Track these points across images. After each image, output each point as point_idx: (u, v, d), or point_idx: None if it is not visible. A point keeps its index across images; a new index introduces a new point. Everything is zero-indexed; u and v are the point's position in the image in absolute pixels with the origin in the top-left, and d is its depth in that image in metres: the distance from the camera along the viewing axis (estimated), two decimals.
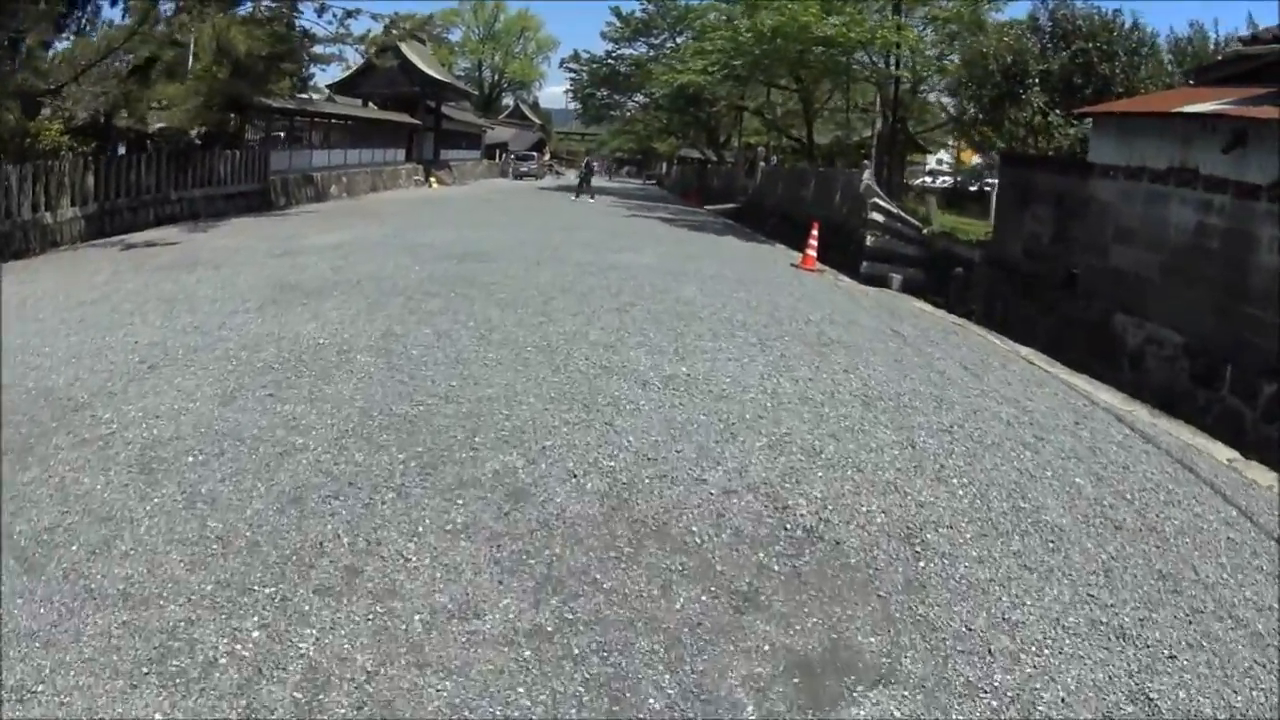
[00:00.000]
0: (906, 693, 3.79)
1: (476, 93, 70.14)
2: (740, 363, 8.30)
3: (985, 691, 3.86)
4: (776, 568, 4.61)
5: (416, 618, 4.00)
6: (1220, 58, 13.74)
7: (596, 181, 59.32)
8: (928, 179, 40.48)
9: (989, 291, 13.69)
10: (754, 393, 7.31)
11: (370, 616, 3.99)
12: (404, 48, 37.15)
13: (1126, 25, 14.77)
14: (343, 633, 3.85)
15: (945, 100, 25.29)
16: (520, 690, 3.58)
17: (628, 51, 45.05)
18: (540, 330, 9.09)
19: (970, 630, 4.35)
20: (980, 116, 17.02)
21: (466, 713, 3.44)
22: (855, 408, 7.23)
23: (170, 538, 4.56)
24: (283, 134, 28.90)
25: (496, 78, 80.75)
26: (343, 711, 3.39)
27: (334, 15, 22.64)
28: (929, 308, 13.89)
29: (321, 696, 3.46)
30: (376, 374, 7.29)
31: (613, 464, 5.59)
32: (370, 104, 40.24)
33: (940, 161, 44.77)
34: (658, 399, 6.90)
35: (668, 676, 3.72)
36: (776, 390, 7.46)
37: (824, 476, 5.74)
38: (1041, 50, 15.33)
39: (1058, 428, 7.68)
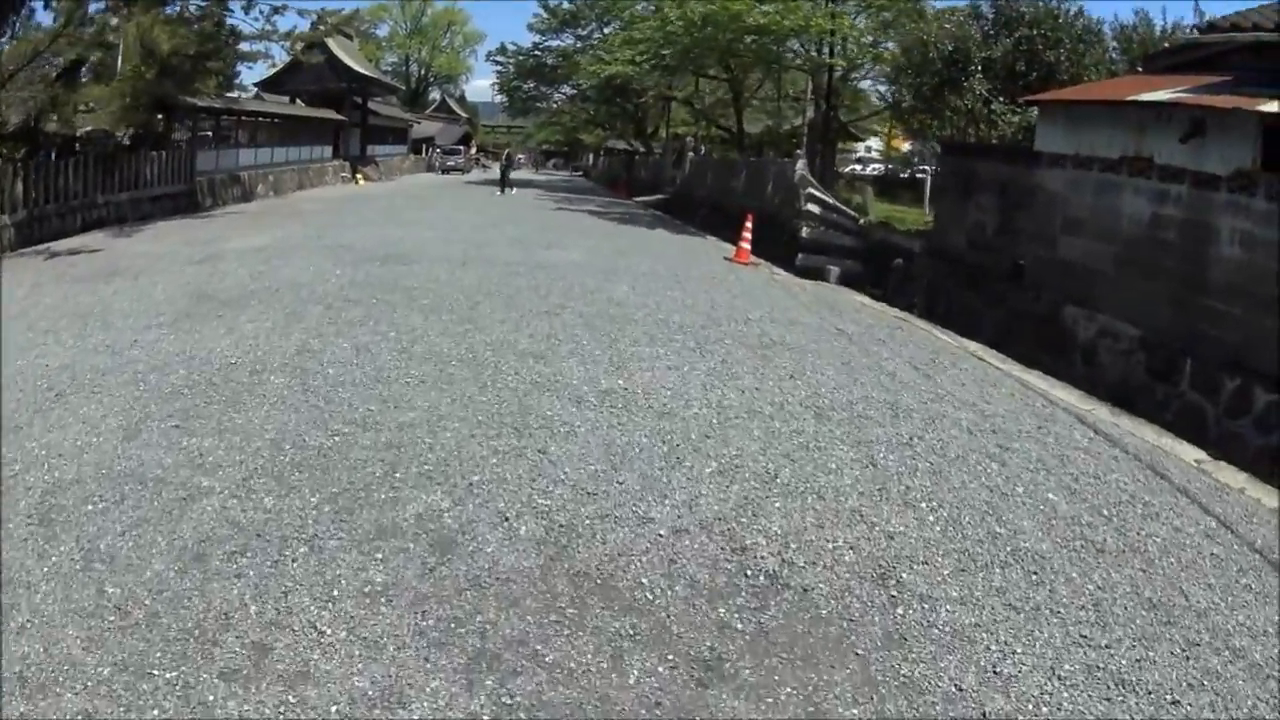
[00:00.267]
0: None
1: (404, 88, 69.01)
2: (680, 371, 7.73)
3: None
4: (740, 626, 4.03)
5: (334, 709, 3.41)
6: (1168, 45, 13.64)
7: (523, 175, 58.60)
8: (857, 167, 40.52)
9: (931, 284, 13.37)
10: (698, 407, 6.74)
11: (282, 707, 3.40)
12: (331, 44, 36.45)
13: (1071, 12, 14.69)
14: None
15: (881, 88, 25.16)
16: None
17: (555, 43, 44.46)
18: (466, 340, 8.40)
19: (960, 690, 3.87)
20: (920, 104, 16.72)
21: None
22: (807, 421, 6.71)
23: (67, 607, 4.00)
24: (210, 134, 27.97)
25: (424, 72, 79.47)
26: None
27: (260, 12, 22.27)
28: (869, 301, 13.52)
29: None
30: (290, 398, 6.64)
31: (548, 502, 4.96)
32: (298, 101, 39.34)
33: (869, 149, 44.93)
34: (594, 419, 6.28)
35: None
36: (722, 403, 6.90)
37: (782, 507, 5.19)
38: (984, 37, 15.08)
39: (1021, 434, 7.29)
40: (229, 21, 22.93)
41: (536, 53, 45.81)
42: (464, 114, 79.58)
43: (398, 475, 5.28)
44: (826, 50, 21.73)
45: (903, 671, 3.91)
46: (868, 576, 4.59)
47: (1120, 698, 3.98)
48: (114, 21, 18.54)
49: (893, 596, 4.47)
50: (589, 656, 3.74)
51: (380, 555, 4.44)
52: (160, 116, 22.96)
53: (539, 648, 3.77)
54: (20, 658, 3.64)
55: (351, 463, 5.47)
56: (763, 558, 4.58)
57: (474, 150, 70.22)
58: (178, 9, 21.05)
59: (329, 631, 3.86)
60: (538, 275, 12.54)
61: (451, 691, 3.51)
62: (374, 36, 65.61)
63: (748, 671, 3.75)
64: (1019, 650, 4.21)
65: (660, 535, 4.69)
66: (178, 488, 5.14)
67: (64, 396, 6.66)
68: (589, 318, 9.77)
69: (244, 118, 30.22)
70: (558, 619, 3.96)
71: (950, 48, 15.10)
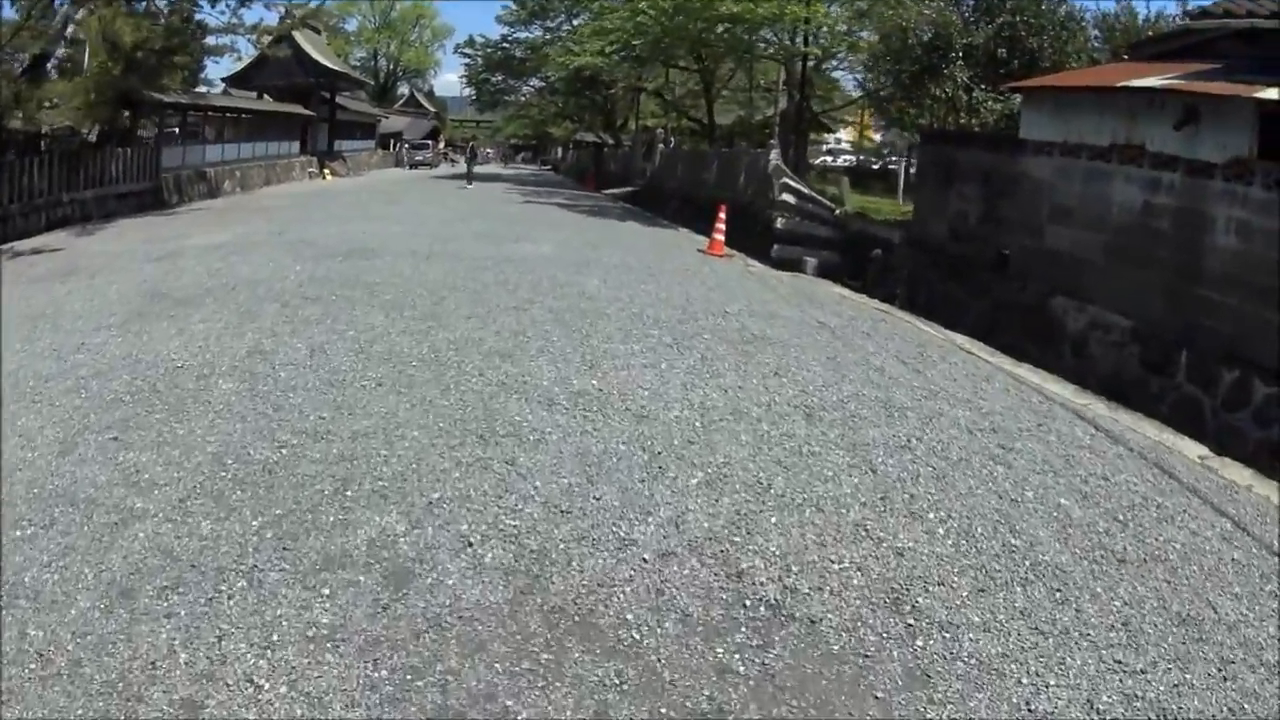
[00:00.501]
0: None
1: (372, 82, 68.14)
2: (658, 369, 7.15)
3: None
4: (742, 669, 3.48)
5: None
6: (1151, 34, 13.28)
7: (490, 169, 57.75)
8: (827, 158, 40.11)
9: (912, 274, 12.89)
10: (679, 408, 6.16)
11: None
12: (299, 38, 35.94)
13: None
14: None
15: (858, 76, 24.59)
16: None
17: (523, 35, 43.82)
18: (428, 338, 7.77)
19: None
20: (899, 92, 16.20)
21: None
22: (798, 422, 6.16)
23: None
24: (176, 130, 27.32)
25: (392, 67, 78.28)
26: None
27: (227, 5, 22.28)
28: (848, 293, 13.01)
29: None
30: (237, 405, 6.03)
31: (517, 523, 4.37)
32: (265, 96, 38.55)
33: (838, 140, 44.55)
34: (567, 424, 5.69)
35: None
36: (705, 404, 6.33)
37: (779, 523, 4.63)
38: (965, 24, 14.59)
39: (1021, 432, 6.81)
40: (195, 15, 22.55)
41: (505, 45, 45.13)
42: (432, 108, 78.64)
43: (349, 493, 4.67)
44: (801, 39, 21.20)
45: (929, 716, 3.37)
46: (880, 602, 4.05)
47: None
48: (79, 15, 18.04)
49: (910, 625, 3.94)
50: (568, 713, 3.16)
51: (327, 590, 3.84)
52: (126, 113, 22.43)
53: (510, 703, 3.19)
54: None
55: (298, 479, 4.86)
56: (762, 584, 4.02)
57: (442, 145, 69.33)
58: (143, 4, 20.76)
59: (267, 686, 3.29)
60: (505, 269, 11.91)
61: None
62: (342, 31, 64.68)
63: None
64: (1052, 682, 3.73)
65: (645, 560, 4.12)
66: (110, 510, 4.57)
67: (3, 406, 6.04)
68: (559, 313, 9.17)
69: (210, 113, 29.61)
70: (531, 666, 3.38)
71: (931, 34, 14.59)
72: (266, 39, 24.44)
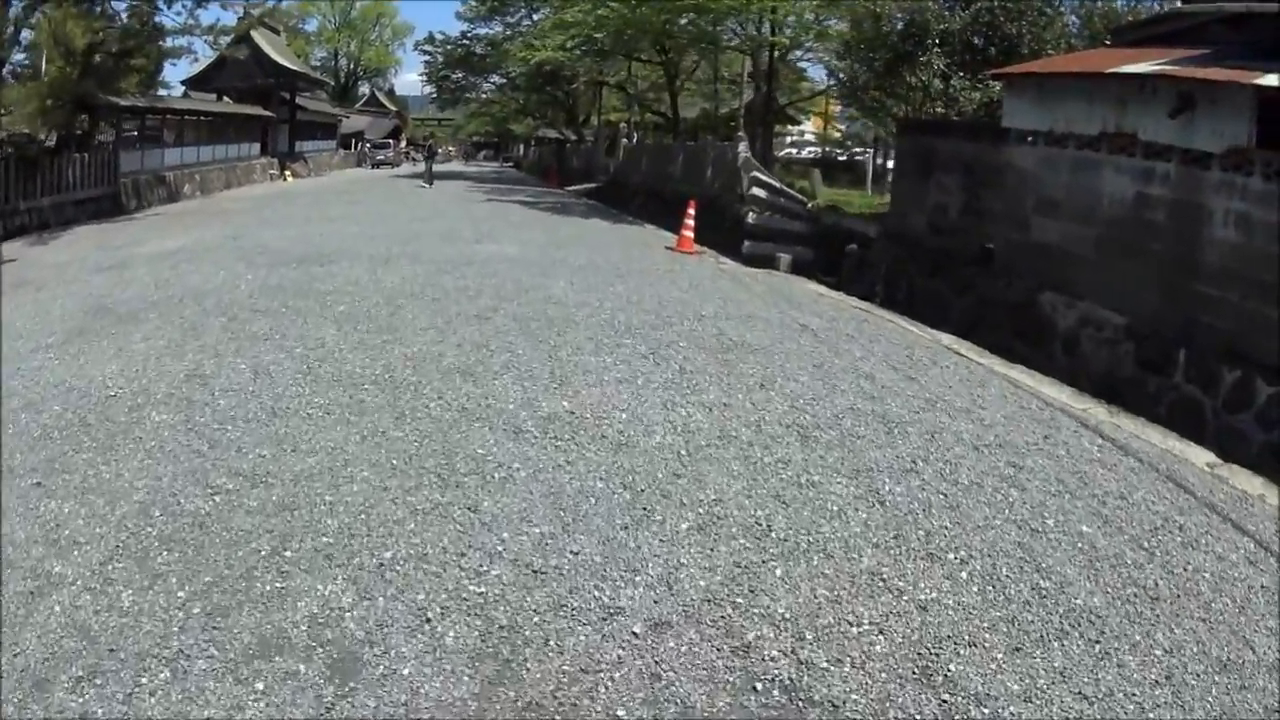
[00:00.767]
0: None
1: (333, 82, 66.89)
2: (634, 385, 6.48)
3: None
4: None
5: None
6: (1131, 18, 12.83)
7: (452, 167, 56.61)
8: (792, 150, 39.54)
9: (891, 270, 12.33)
10: (660, 433, 5.50)
11: None
12: (257, 39, 35.15)
13: None
14: None
15: (828, 65, 23.82)
16: None
17: (484, 31, 42.92)
18: (383, 355, 7.06)
19: None
20: (873, 81, 15.60)
21: None
22: (792, 445, 5.53)
23: None
24: (135, 134, 26.25)
25: (353, 66, 76.79)
26: None
27: (184, 5, 21.79)
28: (825, 290, 12.41)
29: None
30: (170, 441, 5.31)
31: (483, 590, 3.69)
32: (225, 98, 37.60)
33: (802, 133, 44.02)
34: (536, 457, 5.00)
35: None
36: (688, 426, 5.67)
37: (785, 576, 4.00)
38: (941, 10, 14.01)
39: (1028, 447, 6.26)
40: (154, 17, 21.80)
41: (465, 41, 44.23)
42: (393, 107, 77.59)
43: (288, 554, 3.96)
44: (767, 28, 20.54)
45: None
46: (908, 674, 3.44)
47: None
48: (33, 19, 17.27)
49: (944, 701, 3.33)
50: None
51: (261, 685, 3.16)
52: (84, 117, 21.66)
53: None
54: None
55: (233, 535, 4.15)
56: (773, 659, 3.38)
57: (404, 144, 68.22)
58: (98, 6, 19.92)
59: None
60: (467, 273, 11.18)
61: None
62: (302, 31, 63.53)
63: None
64: None
65: (635, 634, 3.45)
66: (26, 575, 3.91)
67: None
68: (525, 321, 8.48)
69: (169, 116, 28.66)
70: None
71: (906, 19, 14.01)
72: (224, 40, 23.67)
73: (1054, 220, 9.85)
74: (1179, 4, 9.91)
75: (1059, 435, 6.72)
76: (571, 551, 3.96)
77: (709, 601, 3.69)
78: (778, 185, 16.67)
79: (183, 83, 37.89)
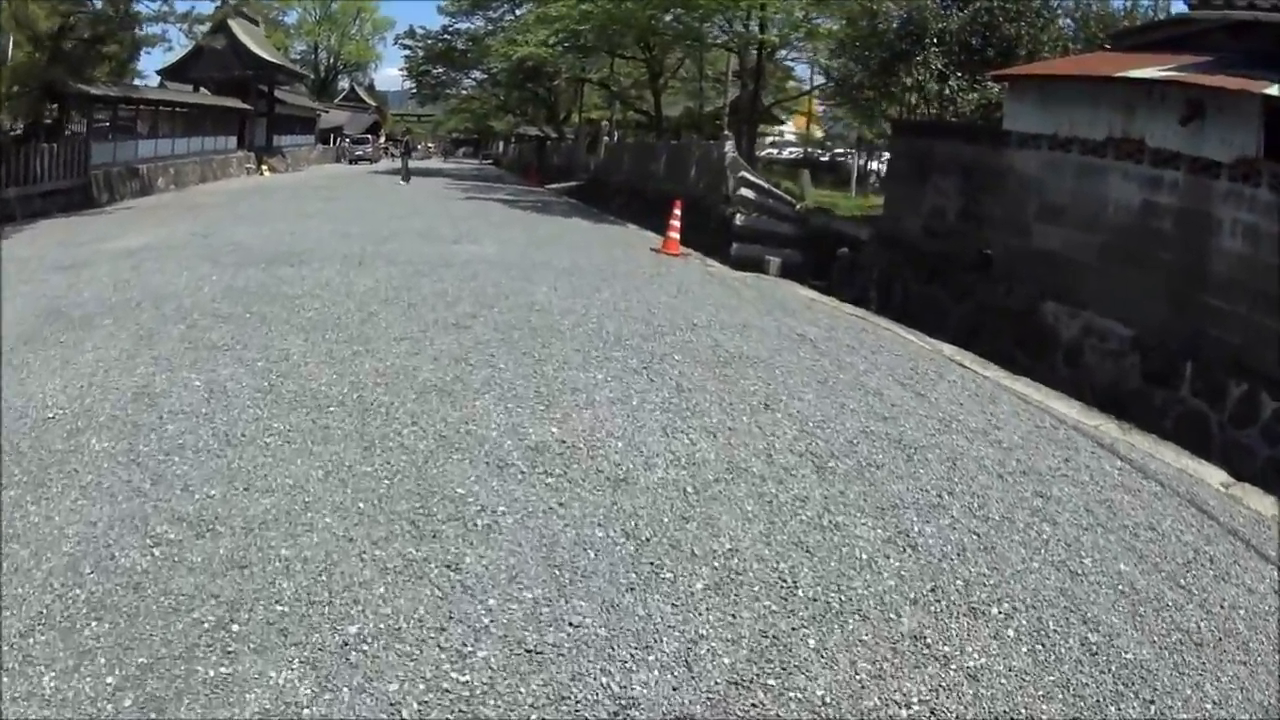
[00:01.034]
0: None
1: (312, 76, 65.49)
2: (629, 406, 5.81)
3: None
4: None
5: None
6: (1127, 23, 12.31)
7: (431, 164, 55.60)
8: (772, 150, 38.91)
9: (885, 274, 11.72)
10: (662, 465, 4.84)
11: None
12: (236, 29, 34.17)
13: None
14: None
15: (821, 63, 22.97)
16: None
17: (465, 26, 41.55)
18: (352, 369, 6.34)
19: None
20: (868, 80, 14.97)
21: None
22: (808, 479, 4.89)
23: None
24: (107, 124, 25.19)
25: (332, 60, 75.20)
26: None
27: None
28: (817, 296, 11.80)
29: None
30: (109, 475, 4.56)
31: (467, 678, 3.00)
32: (202, 89, 36.12)
33: (781, 134, 43.38)
34: (525, 497, 4.31)
35: None
36: (693, 456, 5.01)
37: (819, 646, 3.36)
38: (939, 8, 13.38)
39: (1052, 473, 5.71)
40: (131, 4, 20.95)
41: (446, 36, 42.79)
42: (373, 103, 76.38)
43: (236, 627, 3.25)
44: (755, 25, 19.84)
45: None
46: None
47: None
48: None
49: None
50: None
51: None
52: (54, 106, 20.88)
53: None
54: None
55: (173, 600, 3.44)
56: None
57: (382, 140, 67.13)
58: None
59: None
60: (445, 275, 10.45)
61: None
62: (283, 24, 62.16)
63: None
64: None
65: None
66: None
67: None
68: (506, 330, 7.79)
69: (144, 107, 27.51)
70: None
71: (904, 17, 13.37)
72: (199, 29, 22.54)
73: (1056, 226, 9.28)
74: (1185, 8, 9.34)
75: (1079, 458, 6.16)
76: (571, 623, 3.27)
77: (736, 685, 3.03)
78: (766, 186, 16.02)
79: (159, 72, 36.76)
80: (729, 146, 16.71)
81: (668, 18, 20.20)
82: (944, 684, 3.27)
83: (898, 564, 4.10)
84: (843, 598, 3.70)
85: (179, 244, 12.83)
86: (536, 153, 49.89)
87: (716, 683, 3.03)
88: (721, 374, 6.86)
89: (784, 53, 23.96)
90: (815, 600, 3.65)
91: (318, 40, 72.62)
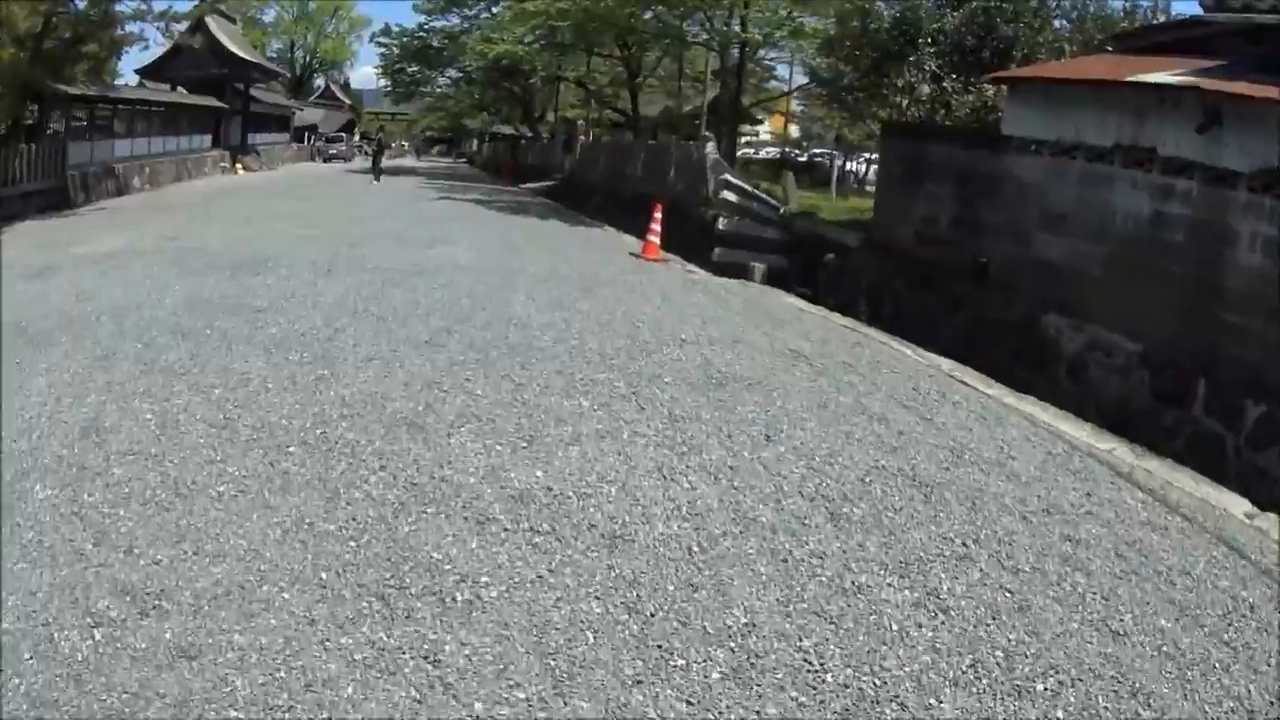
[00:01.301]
0: None
1: (288, 74, 64.64)
2: (619, 441, 5.32)
3: None
4: None
5: None
6: (1125, 25, 11.96)
7: (405, 162, 54.69)
8: (748, 150, 38.47)
9: (874, 283, 11.31)
10: (662, 517, 4.34)
11: None
12: (213, 27, 33.83)
13: None
14: None
15: (810, 62, 22.41)
16: None
17: (441, 23, 40.97)
18: (315, 399, 5.80)
19: None
20: (858, 80, 14.51)
21: None
22: (823, 529, 4.42)
23: None
24: (84, 124, 24.53)
25: (308, 58, 74.43)
26: None
27: None
28: (806, 305, 11.33)
29: None
30: (50, 533, 4.03)
31: None
32: (180, 88, 35.62)
33: (756, 133, 42.95)
34: (509, 563, 3.80)
35: None
36: (694, 504, 4.52)
37: None
38: (935, 7, 12.93)
39: (1075, 510, 5.31)
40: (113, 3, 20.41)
41: (422, 34, 42.21)
42: (348, 101, 75.74)
43: None
44: (737, 23, 19.35)
45: None
46: None
47: None
48: None
49: None
50: None
51: None
52: (34, 106, 20.42)
53: None
54: None
55: (115, 699, 2.93)
56: None
57: (356, 138, 66.44)
58: None
59: None
60: (417, 284, 9.92)
61: None
62: (260, 23, 61.46)
63: None
64: None
65: None
66: None
67: None
68: (483, 348, 7.27)
69: (120, 106, 26.98)
70: None
71: (897, 15, 12.91)
72: (177, 27, 22.39)
73: (1058, 236, 8.89)
74: (1183, 10, 8.99)
75: (1099, 491, 5.75)
76: None
77: None
78: (749, 188, 15.56)
79: (137, 71, 36.45)
80: (710, 147, 16.24)
81: (647, 15, 19.68)
82: None
83: (930, 634, 3.64)
84: (876, 681, 3.23)
85: (147, 249, 12.29)
86: (511, 152, 49.25)
87: None
88: (716, 399, 6.38)
89: (764, 52, 23.51)
90: (847, 687, 3.18)
91: (294, 39, 71.78)
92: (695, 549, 3.99)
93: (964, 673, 3.43)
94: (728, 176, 15.39)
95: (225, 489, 4.41)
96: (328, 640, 3.18)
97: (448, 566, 3.67)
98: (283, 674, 3.01)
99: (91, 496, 4.35)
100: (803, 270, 13.26)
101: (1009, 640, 3.73)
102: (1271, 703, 3.74)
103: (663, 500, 4.46)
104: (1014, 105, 9.61)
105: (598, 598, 3.52)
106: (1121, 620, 4.13)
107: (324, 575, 3.59)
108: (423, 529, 3.98)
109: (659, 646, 3.25)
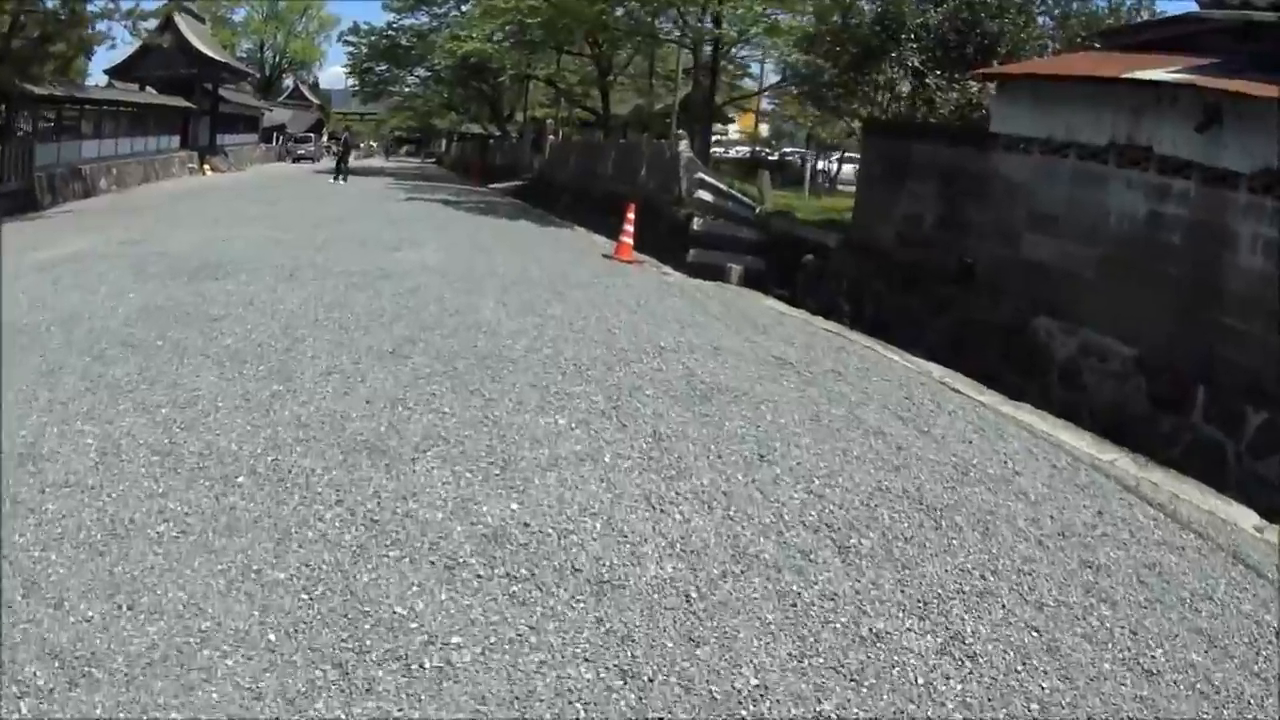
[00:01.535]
0: None
1: (258, 74, 63.91)
2: (600, 465, 4.86)
3: None
4: None
5: None
6: (1111, 21, 11.68)
7: (373, 163, 53.79)
8: (718, 149, 38.08)
9: (855, 284, 10.93)
10: (654, 558, 3.87)
11: None
12: (183, 26, 33.52)
13: None
14: None
15: (794, 59, 21.90)
16: None
17: (409, 22, 40.31)
18: (269, 418, 5.30)
19: None
20: (839, 77, 14.10)
21: None
22: (831, 565, 4.00)
23: None
24: (52, 124, 24.02)
25: (278, 58, 73.56)
26: None
27: None
28: (786, 308, 10.94)
29: None
30: None
31: None
32: (149, 88, 35.14)
33: (725, 132, 42.63)
34: (484, 618, 3.31)
35: None
36: (689, 541, 4.07)
37: None
38: (916, 2, 12.57)
39: (1089, 531, 5.00)
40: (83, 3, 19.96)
41: (390, 33, 41.52)
42: (316, 101, 75.04)
43: None
44: (710, 20, 18.90)
45: None
46: None
47: None
48: None
49: None
50: None
51: None
52: (2, 107, 19.90)
53: None
54: None
55: None
56: None
57: (325, 138, 65.60)
58: None
59: None
60: (382, 289, 9.40)
61: None
62: (230, 22, 60.66)
63: None
64: None
65: None
66: None
67: None
68: (450, 359, 6.79)
69: (88, 107, 26.54)
70: None
71: (879, 10, 12.52)
72: (145, 25, 22.20)
73: (1049, 237, 8.56)
74: (1168, 8, 8.71)
75: (1110, 508, 5.41)
76: None
77: None
78: (724, 188, 15.16)
79: (106, 71, 36.07)
80: (684, 146, 15.82)
81: (619, 11, 19.18)
82: None
83: (960, 686, 3.23)
84: None
85: (107, 253, 11.71)
86: (480, 152, 48.65)
87: None
88: (702, 414, 5.94)
89: (738, 49, 23.09)
90: None
91: (264, 38, 70.81)
92: (694, 594, 3.54)
93: None
94: (702, 175, 14.98)
95: (165, 529, 3.89)
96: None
97: (414, 624, 3.19)
98: None
99: (22, 537, 3.82)
100: (780, 271, 12.86)
101: (1041, 689, 3.35)
102: None
103: (653, 536, 4.00)
104: (1002, 102, 9.27)
105: (587, 659, 3.05)
106: (1152, 657, 3.79)
107: (273, 636, 3.10)
108: (384, 577, 3.49)
109: None
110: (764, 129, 37.19)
